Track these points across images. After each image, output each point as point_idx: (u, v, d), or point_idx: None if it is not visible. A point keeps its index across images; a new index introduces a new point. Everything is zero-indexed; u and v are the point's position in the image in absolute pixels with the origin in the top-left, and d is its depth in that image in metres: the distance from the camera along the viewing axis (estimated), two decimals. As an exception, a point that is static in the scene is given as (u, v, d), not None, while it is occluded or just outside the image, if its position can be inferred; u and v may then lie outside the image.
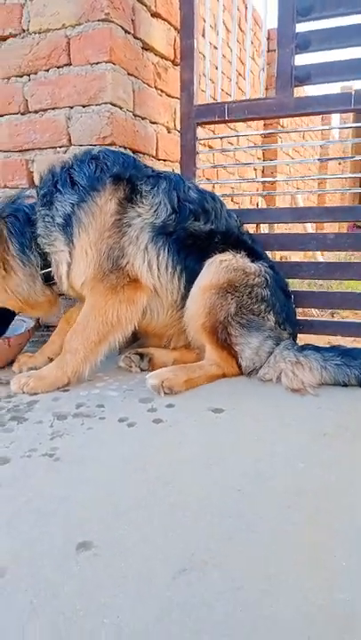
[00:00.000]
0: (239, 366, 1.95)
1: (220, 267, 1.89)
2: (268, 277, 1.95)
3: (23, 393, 1.84)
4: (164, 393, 1.78)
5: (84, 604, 0.88)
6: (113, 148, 2.11)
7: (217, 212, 2.02)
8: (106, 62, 2.18)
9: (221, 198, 2.11)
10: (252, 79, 4.99)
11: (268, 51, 5.41)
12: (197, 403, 1.73)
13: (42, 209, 1.91)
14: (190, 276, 1.94)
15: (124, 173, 1.88)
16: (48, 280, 1.97)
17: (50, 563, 0.98)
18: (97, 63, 2.21)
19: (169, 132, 2.86)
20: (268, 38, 5.48)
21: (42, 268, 1.95)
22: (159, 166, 2.76)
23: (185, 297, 1.96)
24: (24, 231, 1.92)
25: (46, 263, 1.94)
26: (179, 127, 2.88)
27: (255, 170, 5.14)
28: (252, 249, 2.02)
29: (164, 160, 2.82)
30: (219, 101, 2.55)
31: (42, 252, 1.92)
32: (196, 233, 1.95)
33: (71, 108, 2.30)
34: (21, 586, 0.92)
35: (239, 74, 4.77)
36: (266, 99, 2.33)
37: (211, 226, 1.98)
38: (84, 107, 2.27)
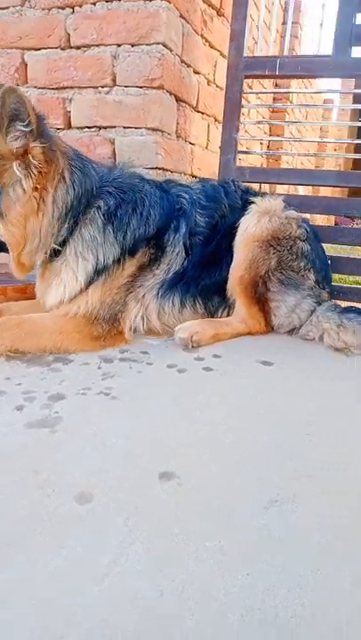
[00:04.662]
0: (269, 324, 1.94)
1: (264, 217, 1.87)
2: (307, 228, 1.93)
3: None
4: (192, 346, 1.77)
5: (180, 529, 0.87)
6: (158, 179, 1.98)
7: (224, 214, 1.96)
8: (161, -1, 2.08)
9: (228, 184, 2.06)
10: (275, 48, 4.84)
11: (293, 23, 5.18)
12: (244, 355, 1.72)
13: (95, 224, 1.73)
14: (209, 287, 1.94)
15: (157, 231, 1.82)
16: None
17: (135, 490, 0.97)
18: (150, 0, 2.10)
19: (209, 85, 2.77)
20: (283, 10, 5.26)
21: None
22: (197, 119, 2.68)
23: (211, 300, 1.98)
24: (78, 202, 1.68)
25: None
26: (218, 80, 2.80)
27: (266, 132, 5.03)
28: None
29: (202, 113, 2.73)
30: (271, 55, 2.46)
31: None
32: (207, 254, 1.92)
33: (119, 45, 2.19)
34: (112, 510, 0.91)
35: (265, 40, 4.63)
36: (323, 56, 2.26)
37: (220, 233, 1.94)
38: (132, 45, 2.17)
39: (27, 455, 1.08)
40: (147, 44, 2.13)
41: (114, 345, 1.75)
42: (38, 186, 1.58)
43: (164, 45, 2.12)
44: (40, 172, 1.57)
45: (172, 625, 0.69)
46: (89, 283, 1.73)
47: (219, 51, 2.83)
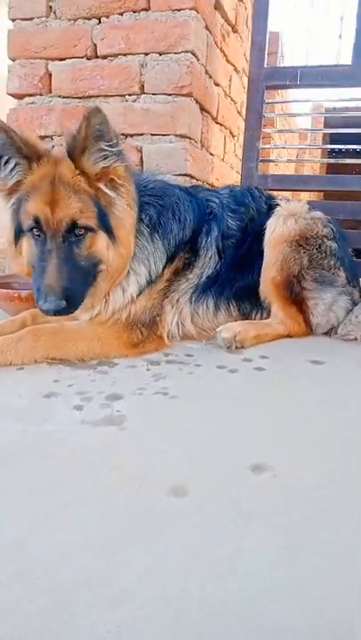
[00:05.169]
0: (308, 324, 1.92)
1: (289, 219, 1.87)
2: (333, 228, 1.94)
3: None
4: (235, 347, 1.73)
5: (285, 521, 0.82)
6: (187, 184, 1.98)
7: (253, 217, 1.96)
8: (190, 9, 2.11)
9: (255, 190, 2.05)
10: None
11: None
12: (290, 356, 1.69)
13: (143, 235, 1.71)
14: (243, 289, 1.92)
15: (192, 235, 1.81)
16: None
17: (230, 483, 0.92)
18: (179, 10, 2.13)
19: (225, 97, 2.80)
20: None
21: None
22: (216, 130, 2.70)
23: (244, 302, 1.95)
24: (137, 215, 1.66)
25: None
26: (233, 94, 2.85)
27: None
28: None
29: (221, 124, 2.76)
30: (291, 65, 2.51)
31: None
32: (239, 256, 1.90)
33: (146, 54, 2.21)
34: (212, 502, 0.86)
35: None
36: (342, 66, 2.31)
37: (251, 235, 1.93)
38: (160, 54, 2.18)
39: (102, 452, 1.02)
40: (175, 53, 2.15)
41: (154, 350, 1.70)
42: (128, 203, 1.56)
43: (193, 54, 2.15)
44: (126, 190, 1.55)
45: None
46: (138, 294, 1.70)
47: (233, 65, 2.88)
